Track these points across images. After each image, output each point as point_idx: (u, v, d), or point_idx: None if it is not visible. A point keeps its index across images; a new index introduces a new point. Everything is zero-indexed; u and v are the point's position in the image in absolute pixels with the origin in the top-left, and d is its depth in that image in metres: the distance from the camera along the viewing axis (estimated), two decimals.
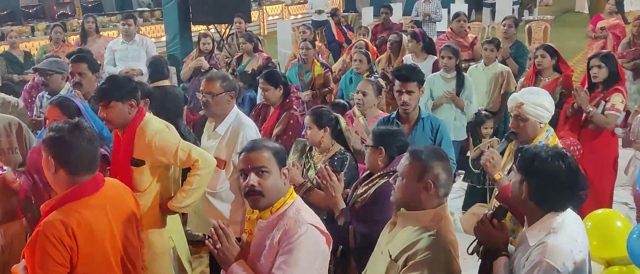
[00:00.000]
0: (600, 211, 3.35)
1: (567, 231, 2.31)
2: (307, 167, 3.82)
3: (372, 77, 5.96)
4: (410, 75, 4.06)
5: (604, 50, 5.68)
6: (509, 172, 3.32)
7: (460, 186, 6.36)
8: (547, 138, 3.33)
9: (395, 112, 4.23)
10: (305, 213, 2.39)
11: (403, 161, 2.55)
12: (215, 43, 7.85)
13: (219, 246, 2.33)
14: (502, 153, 3.41)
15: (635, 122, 5.43)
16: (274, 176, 2.37)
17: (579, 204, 4.36)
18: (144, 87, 4.62)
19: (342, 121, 3.84)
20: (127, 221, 2.69)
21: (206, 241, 2.39)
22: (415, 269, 2.35)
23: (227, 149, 3.78)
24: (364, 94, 4.52)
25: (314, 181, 3.58)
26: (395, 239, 2.53)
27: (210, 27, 10.95)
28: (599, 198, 4.70)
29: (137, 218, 2.79)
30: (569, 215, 2.39)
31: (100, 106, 3.39)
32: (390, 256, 2.49)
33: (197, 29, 10.49)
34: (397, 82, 4.08)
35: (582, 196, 4.43)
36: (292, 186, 2.51)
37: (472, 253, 2.64)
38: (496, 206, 3.38)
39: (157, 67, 5.71)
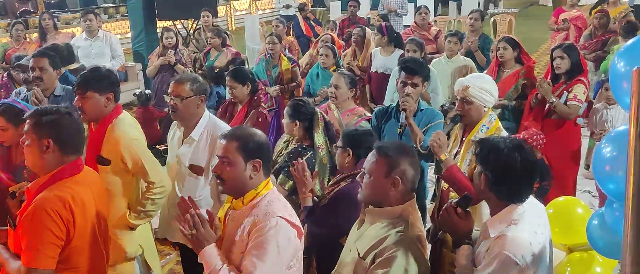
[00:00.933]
0: (561, 198, 3.42)
1: (527, 223, 2.34)
2: (281, 155, 3.91)
3: (339, 71, 5.98)
4: (418, 68, 4.15)
5: (567, 42, 5.78)
6: (455, 155, 3.43)
7: (429, 178, 6.42)
8: (490, 122, 3.42)
9: (395, 103, 4.26)
10: (277, 205, 2.39)
11: (370, 158, 2.55)
12: (178, 38, 7.78)
13: (193, 231, 2.36)
14: (448, 135, 3.50)
15: (596, 114, 5.57)
16: (237, 168, 2.40)
17: (544, 194, 4.47)
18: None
19: (319, 120, 3.80)
20: (102, 199, 2.84)
21: (180, 227, 2.40)
22: (383, 266, 2.35)
23: (205, 154, 3.59)
24: (337, 87, 4.53)
25: (278, 167, 3.78)
26: (363, 236, 2.53)
27: (176, 22, 10.81)
28: (563, 187, 4.80)
29: (107, 198, 2.98)
30: (531, 205, 2.42)
31: (77, 94, 3.35)
32: (359, 254, 2.48)
33: (163, 24, 10.35)
34: (402, 73, 4.16)
35: (546, 186, 4.54)
36: (268, 178, 2.49)
37: (437, 241, 2.68)
38: (444, 188, 3.48)
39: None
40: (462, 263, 2.49)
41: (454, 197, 3.44)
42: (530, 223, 2.35)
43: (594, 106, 5.69)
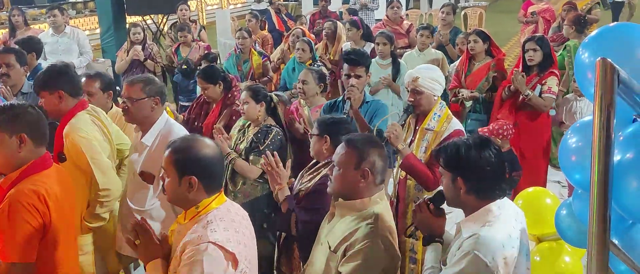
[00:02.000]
0: (530, 189, 3.46)
1: (502, 225, 2.26)
2: (241, 141, 3.91)
3: (315, 65, 5.97)
4: (360, 59, 4.15)
5: (538, 34, 5.84)
6: (410, 143, 3.52)
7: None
8: (441, 110, 3.51)
9: (341, 97, 4.26)
10: (214, 228, 2.16)
11: (339, 151, 2.54)
12: (146, 33, 7.67)
13: (137, 242, 2.28)
14: (402, 125, 3.56)
15: (566, 105, 5.65)
16: (171, 182, 2.23)
17: (514, 185, 4.52)
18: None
19: (275, 98, 3.97)
20: (72, 194, 2.85)
21: (125, 236, 2.34)
22: (354, 259, 2.35)
23: (156, 162, 3.20)
24: (305, 83, 4.52)
25: (243, 153, 3.81)
26: (334, 230, 2.53)
27: (146, 18, 10.68)
28: (535, 177, 4.86)
29: (75, 194, 2.94)
30: (507, 206, 2.36)
31: (38, 95, 3.43)
32: (330, 247, 2.49)
33: (132, 20, 10.21)
34: (345, 66, 4.16)
35: (516, 177, 4.59)
36: (217, 195, 2.28)
37: (409, 236, 2.68)
38: (402, 176, 3.53)
39: None
40: (430, 261, 2.46)
41: (410, 184, 3.56)
42: (505, 224, 2.27)
43: (565, 97, 5.78)
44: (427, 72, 3.52)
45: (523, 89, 4.91)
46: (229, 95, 4.57)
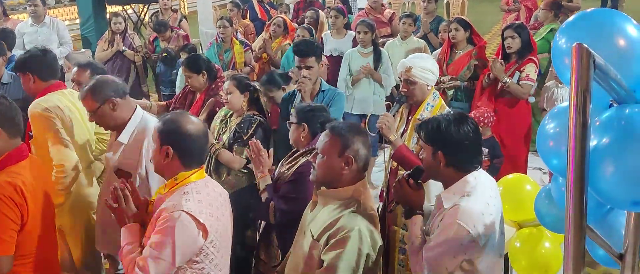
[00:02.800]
0: (511, 176, 3.48)
1: (479, 194, 2.40)
2: (224, 131, 3.92)
3: None
4: (309, 50, 4.15)
5: (517, 22, 5.87)
6: (402, 134, 3.52)
7: (384, 159, 6.46)
8: (435, 100, 3.51)
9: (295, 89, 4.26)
10: (189, 198, 2.31)
11: (322, 138, 2.55)
12: (127, 23, 7.60)
13: (116, 205, 2.43)
14: (395, 115, 3.56)
15: (547, 92, 5.69)
16: (154, 150, 2.44)
17: (495, 172, 4.55)
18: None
19: (259, 88, 3.99)
20: (48, 185, 2.90)
21: (106, 200, 2.47)
22: (337, 247, 2.36)
23: (131, 158, 3.25)
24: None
25: (226, 144, 3.82)
26: (316, 218, 2.54)
27: (126, 7, 10.56)
28: (515, 165, 4.89)
29: (51, 184, 3.06)
30: (483, 178, 2.50)
31: None
32: (313, 236, 2.49)
33: (112, 10, 10.09)
34: (296, 58, 4.16)
35: (497, 163, 4.63)
36: (196, 170, 2.43)
37: (391, 211, 2.75)
38: (393, 166, 3.54)
39: None
40: (415, 232, 2.56)
41: (402, 175, 3.53)
42: (482, 194, 2.42)
43: (545, 84, 5.82)
44: (420, 62, 3.48)
45: (501, 76, 4.94)
46: (213, 85, 4.54)
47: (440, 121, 2.47)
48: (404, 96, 3.53)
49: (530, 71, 4.96)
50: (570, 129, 1.37)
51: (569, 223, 1.42)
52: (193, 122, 2.43)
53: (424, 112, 3.44)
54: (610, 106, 1.67)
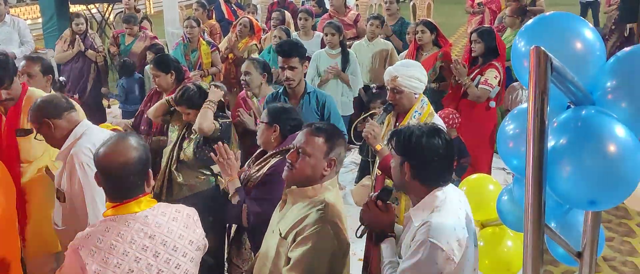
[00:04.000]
0: (474, 176, 3.53)
1: (449, 209, 2.33)
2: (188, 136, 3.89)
3: (249, 58, 5.93)
4: (292, 50, 4.09)
5: (484, 26, 5.95)
6: (388, 142, 3.42)
7: (351, 160, 6.50)
8: (423, 107, 3.47)
9: (281, 88, 4.24)
10: (101, 237, 2.15)
11: (305, 138, 2.52)
12: (89, 23, 7.48)
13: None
14: (382, 123, 3.53)
15: (512, 94, 5.79)
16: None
17: (463, 171, 4.62)
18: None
19: (204, 85, 3.95)
20: (5, 185, 2.89)
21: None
22: (304, 244, 2.37)
23: (64, 177, 3.08)
24: (247, 74, 4.48)
25: (194, 148, 3.78)
26: (285, 217, 2.54)
27: (90, 6, 10.40)
28: (477, 166, 4.96)
29: (13, 192, 3.00)
30: (451, 191, 2.43)
31: None
32: (281, 234, 2.49)
33: (75, 9, 9.91)
34: (279, 58, 4.09)
35: (465, 163, 4.69)
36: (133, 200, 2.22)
37: (360, 236, 2.70)
38: (378, 174, 3.51)
39: None
40: (386, 257, 2.49)
41: (388, 184, 3.46)
42: (452, 208, 2.34)
43: (511, 85, 5.91)
44: (406, 70, 3.44)
45: (462, 78, 5.02)
46: (181, 86, 4.49)
47: (413, 131, 2.37)
48: (391, 104, 3.49)
49: (490, 76, 5.03)
50: (529, 130, 1.40)
51: (528, 222, 1.46)
52: (124, 153, 2.19)
53: (412, 120, 3.39)
54: (568, 107, 1.72)
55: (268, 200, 3.01)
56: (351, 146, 5.97)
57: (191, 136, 3.85)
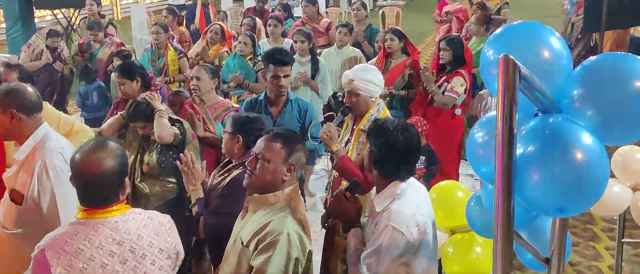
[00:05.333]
0: (443, 182, 3.56)
1: (409, 197, 2.51)
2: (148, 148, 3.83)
3: (255, 59, 5.91)
4: (286, 58, 4.10)
5: (452, 34, 6.02)
6: (346, 144, 3.54)
7: (322, 167, 6.49)
8: (379, 111, 3.53)
9: (263, 94, 4.22)
10: (67, 239, 2.14)
11: (264, 144, 2.52)
12: (62, 36, 7.36)
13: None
14: (340, 126, 3.60)
15: (481, 101, 5.85)
16: None
17: (431, 178, 4.65)
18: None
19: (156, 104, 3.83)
20: None
21: None
22: (266, 252, 2.35)
23: (23, 179, 2.93)
24: (198, 79, 4.44)
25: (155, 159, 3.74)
26: (247, 225, 2.52)
27: (56, 12, 10.20)
28: (446, 173, 5.00)
29: None
30: (413, 184, 2.60)
31: None
32: (243, 242, 2.47)
33: (41, 14, 9.72)
34: (272, 67, 4.04)
35: (434, 170, 4.72)
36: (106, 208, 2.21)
37: (326, 227, 2.76)
38: (336, 175, 3.57)
39: None
40: (353, 245, 2.60)
41: (345, 185, 3.54)
42: (412, 198, 2.53)
43: (479, 93, 5.98)
44: (362, 74, 3.50)
45: (429, 85, 5.07)
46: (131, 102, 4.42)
47: (386, 123, 2.60)
48: (348, 107, 3.54)
49: (456, 83, 5.10)
50: (498, 137, 1.41)
51: (497, 228, 1.47)
52: (102, 162, 2.14)
53: (367, 123, 3.41)
54: (536, 115, 1.74)
55: (227, 213, 2.98)
56: (322, 153, 5.96)
57: (151, 147, 3.78)
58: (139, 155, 3.81)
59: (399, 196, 2.50)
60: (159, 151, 3.73)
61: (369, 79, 3.48)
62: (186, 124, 3.87)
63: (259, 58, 6.00)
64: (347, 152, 3.45)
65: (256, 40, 6.28)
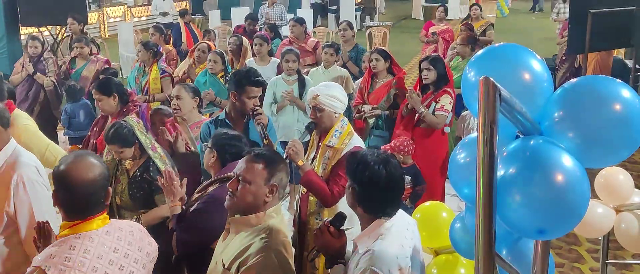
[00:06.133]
0: (428, 203, 3.55)
1: (394, 237, 2.33)
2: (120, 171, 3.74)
3: (227, 77, 5.90)
4: (262, 79, 4.10)
5: (434, 54, 6.05)
6: (313, 159, 3.58)
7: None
8: (343, 127, 3.57)
9: (223, 113, 4.20)
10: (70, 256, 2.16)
11: (245, 165, 2.49)
12: (44, 46, 7.31)
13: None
14: (306, 142, 3.64)
15: (464, 122, 5.88)
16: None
17: (417, 198, 4.64)
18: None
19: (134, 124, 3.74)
20: None
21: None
22: None
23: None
24: (179, 98, 4.42)
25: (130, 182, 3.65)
26: (228, 247, 2.48)
27: (42, 29, 10.16)
28: (432, 193, 5.00)
29: None
30: (399, 221, 2.43)
31: None
32: (224, 264, 2.43)
33: (27, 31, 9.68)
34: (252, 88, 4.00)
35: (420, 191, 4.72)
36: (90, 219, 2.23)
37: (312, 261, 2.68)
38: (303, 192, 3.54)
39: None
40: None
41: (312, 200, 3.60)
42: (397, 236, 2.35)
43: (462, 113, 6.01)
44: (326, 90, 3.56)
45: (417, 106, 5.08)
46: (125, 109, 4.38)
47: (365, 156, 2.40)
48: (313, 122, 3.59)
49: (445, 101, 5.11)
50: (479, 159, 1.41)
51: (479, 251, 1.46)
52: (91, 169, 2.18)
53: (332, 139, 3.52)
54: (517, 137, 1.74)
55: (198, 229, 2.96)
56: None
57: (120, 177, 3.70)
58: (112, 183, 3.74)
59: (383, 236, 2.33)
60: (129, 182, 3.68)
61: (333, 95, 3.53)
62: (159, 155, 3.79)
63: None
64: (314, 168, 3.49)
65: (226, 57, 6.25)
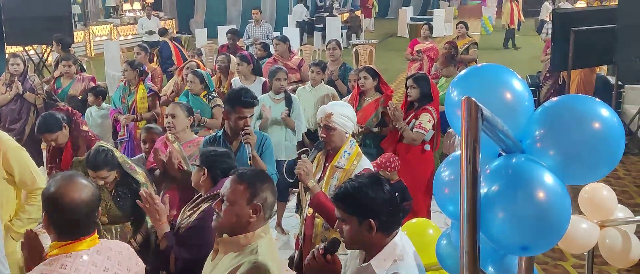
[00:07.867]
0: (414, 220, 3.57)
1: (410, 258, 2.38)
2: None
3: (210, 96, 5.91)
4: (254, 100, 4.11)
5: (419, 72, 6.13)
6: (319, 180, 3.48)
7: (293, 205, 6.47)
8: (351, 147, 3.53)
9: (221, 131, 4.21)
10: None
11: (229, 185, 2.48)
12: (27, 64, 7.28)
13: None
14: (313, 161, 3.55)
15: (449, 139, 5.93)
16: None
17: (405, 215, 4.65)
18: None
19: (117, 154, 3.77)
20: None
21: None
22: None
23: None
24: (174, 116, 4.42)
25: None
26: (217, 267, 2.47)
27: (28, 48, 10.14)
28: (417, 209, 5.03)
29: None
30: (404, 237, 2.46)
31: None
32: None
33: (12, 50, 9.64)
34: (243, 109, 4.01)
35: (407, 207, 4.74)
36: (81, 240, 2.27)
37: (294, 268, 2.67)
38: (309, 214, 3.51)
39: None
40: None
41: (318, 223, 3.51)
42: (411, 257, 2.41)
43: (448, 131, 6.06)
44: (340, 109, 3.51)
45: (398, 122, 5.14)
46: (73, 125, 4.37)
47: (360, 188, 2.36)
48: (322, 142, 3.52)
49: (424, 119, 5.17)
50: (462, 177, 1.44)
51: (464, 268, 1.48)
52: (76, 191, 2.19)
53: (341, 159, 3.45)
54: (500, 155, 1.78)
55: (198, 246, 2.96)
56: (294, 189, 5.96)
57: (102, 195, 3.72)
58: None
59: (402, 258, 2.34)
60: (112, 196, 3.68)
61: (346, 114, 3.49)
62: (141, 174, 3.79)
63: (213, 94, 6.01)
64: (322, 189, 3.40)
65: (205, 78, 6.25)
